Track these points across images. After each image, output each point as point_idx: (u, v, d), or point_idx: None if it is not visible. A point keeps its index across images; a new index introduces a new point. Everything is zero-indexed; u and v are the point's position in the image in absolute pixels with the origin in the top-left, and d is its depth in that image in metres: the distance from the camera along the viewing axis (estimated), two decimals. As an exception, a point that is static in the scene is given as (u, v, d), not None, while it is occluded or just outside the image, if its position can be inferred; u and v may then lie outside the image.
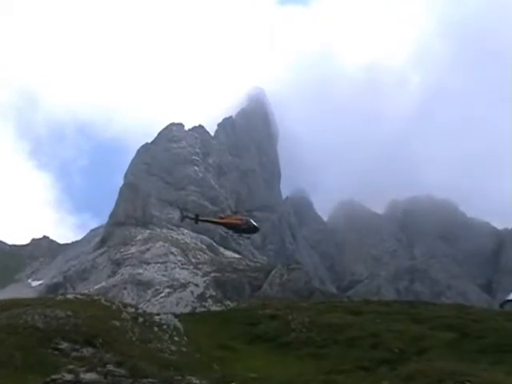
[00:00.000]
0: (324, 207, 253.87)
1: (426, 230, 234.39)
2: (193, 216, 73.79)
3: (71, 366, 25.06)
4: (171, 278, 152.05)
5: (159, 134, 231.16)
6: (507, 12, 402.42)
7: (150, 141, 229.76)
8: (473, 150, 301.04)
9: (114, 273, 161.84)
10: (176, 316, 49.19)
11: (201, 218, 73.49)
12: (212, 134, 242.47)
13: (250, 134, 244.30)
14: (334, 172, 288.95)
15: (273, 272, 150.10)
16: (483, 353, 38.46)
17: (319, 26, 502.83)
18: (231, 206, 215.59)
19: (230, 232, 72.01)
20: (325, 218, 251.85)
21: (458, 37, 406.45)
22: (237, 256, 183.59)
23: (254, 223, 69.70)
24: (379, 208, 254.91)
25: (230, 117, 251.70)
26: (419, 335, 46.39)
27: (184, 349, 38.35)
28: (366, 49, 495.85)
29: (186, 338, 40.71)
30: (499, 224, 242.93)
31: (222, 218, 73.37)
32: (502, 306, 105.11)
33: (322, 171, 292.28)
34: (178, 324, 43.96)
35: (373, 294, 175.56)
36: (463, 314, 57.94)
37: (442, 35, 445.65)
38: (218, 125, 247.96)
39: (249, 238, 74.91)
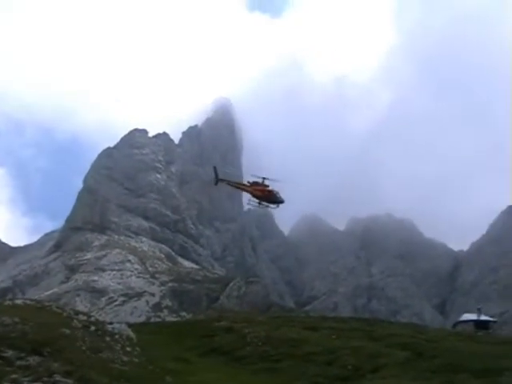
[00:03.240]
0: (286, 221, 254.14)
1: (385, 248, 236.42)
2: (223, 178, 73.74)
3: (15, 376, 23.93)
4: (126, 287, 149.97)
5: (122, 139, 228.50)
6: (473, 35, 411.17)
7: (112, 145, 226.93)
8: (434, 171, 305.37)
9: (67, 279, 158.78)
10: (129, 325, 48.21)
11: (230, 181, 73.74)
12: (176, 141, 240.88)
13: (215, 144, 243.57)
14: (297, 186, 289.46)
15: (231, 284, 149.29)
16: (436, 372, 38.70)
17: (288, 36, 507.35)
18: (192, 215, 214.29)
19: (252, 200, 69.76)
20: (286, 233, 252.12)
21: (424, 56, 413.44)
22: (195, 266, 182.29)
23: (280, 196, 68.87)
24: (340, 224, 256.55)
25: (196, 125, 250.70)
26: (374, 353, 46.35)
27: (136, 360, 37.40)
28: (335, 62, 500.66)
29: (138, 349, 39.78)
30: (456, 245, 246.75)
31: (250, 183, 70.74)
32: (454, 326, 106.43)
33: (286, 184, 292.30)
34: (132, 334, 43.02)
35: (330, 311, 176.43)
36: (417, 334, 58.40)
37: (409, 54, 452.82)
38: (183, 133, 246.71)
39: (277, 206, 70.38)
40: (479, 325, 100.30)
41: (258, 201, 69.28)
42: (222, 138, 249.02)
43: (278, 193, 69.05)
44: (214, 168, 76.52)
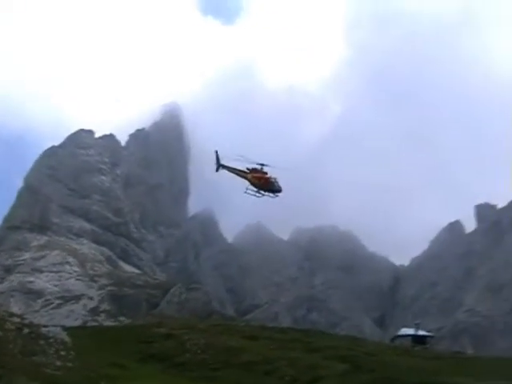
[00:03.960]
0: (230, 228, 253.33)
1: (328, 260, 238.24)
2: (224, 164, 68.55)
3: None
4: (64, 289, 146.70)
5: (67, 138, 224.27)
6: (423, 52, 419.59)
7: (56, 144, 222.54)
8: (380, 185, 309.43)
9: (2, 279, 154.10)
10: (65, 329, 46.99)
11: (228, 166, 68.38)
12: (123, 144, 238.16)
13: (162, 148, 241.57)
14: (243, 193, 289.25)
15: (172, 290, 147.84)
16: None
17: (241, 42, 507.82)
18: (135, 219, 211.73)
19: (250, 189, 65.87)
20: (230, 240, 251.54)
21: (374, 70, 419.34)
22: (136, 271, 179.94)
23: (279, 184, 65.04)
24: (285, 234, 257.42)
25: (143, 128, 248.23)
26: (313, 364, 46.48)
27: (70, 364, 36.40)
28: (287, 70, 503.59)
29: (73, 353, 38.72)
30: (397, 260, 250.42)
31: (249, 170, 66.62)
32: (392, 340, 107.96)
33: (232, 191, 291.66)
34: (67, 338, 41.92)
35: (271, 320, 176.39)
36: (356, 347, 58.97)
37: (359, 67, 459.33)
38: (130, 135, 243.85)
39: (275, 195, 65.76)
40: (417, 339, 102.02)
41: (256, 189, 65.66)
42: (169, 141, 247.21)
43: (276, 181, 65.55)
44: (216, 152, 69.88)
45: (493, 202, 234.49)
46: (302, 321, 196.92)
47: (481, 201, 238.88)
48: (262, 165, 65.18)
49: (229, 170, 68.08)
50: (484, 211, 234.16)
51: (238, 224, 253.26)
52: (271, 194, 65.59)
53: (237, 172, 67.58)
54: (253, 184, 65.14)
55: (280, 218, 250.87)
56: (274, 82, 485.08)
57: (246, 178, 66.02)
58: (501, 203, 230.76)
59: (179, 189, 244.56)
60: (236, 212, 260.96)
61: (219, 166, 68.88)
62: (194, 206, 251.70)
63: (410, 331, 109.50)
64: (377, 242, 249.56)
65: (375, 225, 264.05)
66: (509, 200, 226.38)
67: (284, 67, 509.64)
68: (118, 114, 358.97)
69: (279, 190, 65.52)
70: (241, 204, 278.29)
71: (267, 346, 53.81)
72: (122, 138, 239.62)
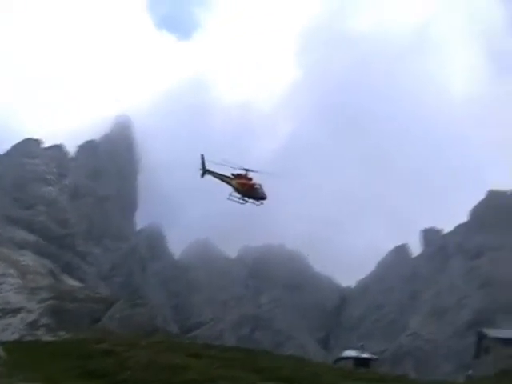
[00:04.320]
0: (178, 244, 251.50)
1: (274, 279, 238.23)
2: (210, 169, 65.05)
3: None
4: (4, 301, 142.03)
5: (14, 146, 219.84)
6: (375, 77, 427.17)
7: (1, 152, 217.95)
8: (328, 207, 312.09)
9: None
10: (1, 344, 45.15)
11: (213, 171, 64.89)
12: (71, 154, 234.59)
13: (112, 160, 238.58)
14: (192, 209, 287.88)
15: (115, 305, 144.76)
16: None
17: (196, 58, 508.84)
18: (81, 231, 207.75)
19: (233, 195, 63.08)
20: (177, 255, 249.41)
21: (326, 91, 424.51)
22: (79, 284, 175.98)
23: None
24: (233, 252, 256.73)
25: (93, 140, 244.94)
26: (256, 385, 45.76)
27: (4, 380, 34.75)
28: (241, 87, 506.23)
29: (6, 369, 37.05)
30: (344, 281, 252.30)
31: (234, 176, 63.63)
32: (336, 362, 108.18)
33: (181, 207, 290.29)
34: (2, 352, 40.15)
35: (215, 338, 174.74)
36: (300, 367, 58.65)
37: (311, 87, 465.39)
38: (79, 146, 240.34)
39: (260, 203, 62.99)
40: (360, 362, 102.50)
41: (239, 196, 63.02)
42: (119, 154, 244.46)
43: (260, 187, 63.03)
44: (202, 157, 66.04)
45: (439, 226, 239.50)
46: (246, 340, 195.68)
47: (427, 225, 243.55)
48: (247, 170, 62.98)
49: (214, 176, 65.30)
50: (430, 236, 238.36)
51: (186, 239, 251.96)
52: (255, 202, 63.64)
53: (222, 178, 64.82)
54: (237, 190, 62.86)
55: (228, 235, 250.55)
56: (228, 99, 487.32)
57: (230, 184, 63.57)
58: (447, 228, 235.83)
59: (128, 201, 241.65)
60: (184, 227, 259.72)
61: (205, 171, 65.85)
62: (142, 219, 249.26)
63: (354, 353, 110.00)
64: (324, 263, 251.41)
65: (323, 245, 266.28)
66: (455, 225, 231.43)
67: (238, 84, 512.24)
68: (67, 125, 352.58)
69: (263, 198, 63.51)
70: (190, 219, 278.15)
71: (211, 365, 52.98)
72: (71, 149, 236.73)
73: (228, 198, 63.27)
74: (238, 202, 63.09)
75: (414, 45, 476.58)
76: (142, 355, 52.77)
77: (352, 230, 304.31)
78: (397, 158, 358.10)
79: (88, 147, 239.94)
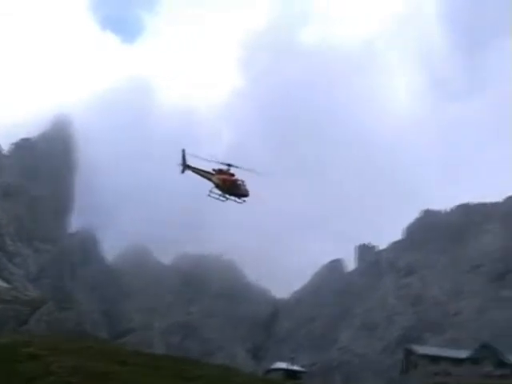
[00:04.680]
0: (113, 249, 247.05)
1: (208, 288, 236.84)
2: (190, 164, 61.18)
3: None
4: None
5: None
6: (319, 90, 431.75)
7: None
8: (264, 219, 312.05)
9: None
10: None
11: (194, 167, 61.03)
12: (5, 152, 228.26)
13: (48, 160, 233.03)
14: (128, 214, 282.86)
15: (42, 308, 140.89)
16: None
17: (139, 61, 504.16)
18: (10, 231, 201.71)
19: (214, 192, 59.24)
20: (111, 260, 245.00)
21: (268, 105, 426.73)
22: (6, 285, 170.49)
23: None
24: (167, 259, 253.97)
25: (29, 138, 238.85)
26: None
27: None
28: (183, 93, 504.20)
29: None
30: (278, 293, 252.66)
31: (215, 171, 59.95)
32: (266, 373, 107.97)
33: (117, 211, 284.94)
34: None
35: (145, 346, 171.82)
36: (229, 377, 58.27)
37: (253, 100, 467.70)
38: (14, 144, 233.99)
39: (242, 201, 59.19)
40: (290, 374, 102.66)
41: (220, 192, 59.28)
42: (56, 154, 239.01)
43: (243, 184, 59.12)
44: (183, 152, 62.49)
45: (374, 243, 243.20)
46: (176, 348, 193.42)
47: (363, 241, 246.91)
48: (229, 165, 59.51)
49: (194, 171, 61.86)
50: (364, 251, 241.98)
51: (121, 244, 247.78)
52: (237, 199, 59.86)
53: (202, 173, 61.35)
54: (217, 186, 59.29)
55: (165, 242, 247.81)
56: (170, 104, 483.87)
57: (211, 179, 60.12)
58: (382, 245, 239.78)
59: (62, 203, 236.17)
60: (120, 232, 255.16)
61: (185, 166, 62.38)
62: (76, 221, 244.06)
63: (284, 365, 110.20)
64: (259, 274, 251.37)
65: (259, 257, 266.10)
66: (389, 242, 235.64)
67: (180, 89, 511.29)
68: (3, 122, 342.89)
69: (245, 195, 59.55)
70: (126, 224, 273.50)
71: (138, 372, 51.90)
72: (6, 147, 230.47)
73: (208, 195, 59.84)
74: (219, 199, 59.67)
75: (359, 62, 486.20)
76: (67, 360, 51.27)
77: (289, 243, 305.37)
78: (336, 173, 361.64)
79: (24, 145, 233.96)
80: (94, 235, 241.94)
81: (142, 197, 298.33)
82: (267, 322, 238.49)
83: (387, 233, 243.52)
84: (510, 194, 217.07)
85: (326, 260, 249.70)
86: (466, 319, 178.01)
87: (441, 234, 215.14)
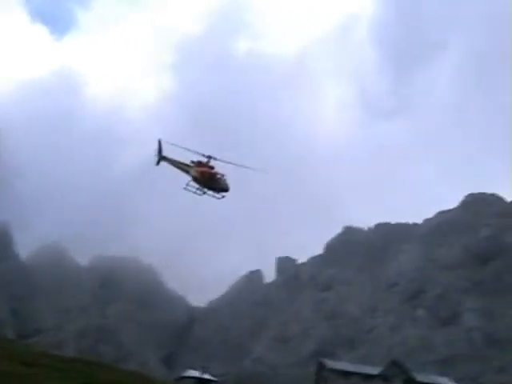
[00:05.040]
0: (26, 247, 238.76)
1: (125, 291, 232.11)
2: (166, 156, 56.68)
3: None
4: None
5: None
6: (248, 98, 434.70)
7: None
8: (184, 225, 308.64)
9: None
10: None
11: (170, 158, 56.54)
12: None
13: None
14: (45, 213, 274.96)
15: None
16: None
17: (68, 54, 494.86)
18: None
19: (191, 185, 54.89)
20: (24, 258, 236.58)
21: (198, 108, 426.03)
22: None
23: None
24: (84, 260, 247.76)
25: None
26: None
27: None
28: (112, 93, 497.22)
29: None
30: (194, 301, 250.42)
31: (194, 163, 55.80)
32: (177, 381, 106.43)
33: (34, 209, 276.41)
34: None
35: (55, 347, 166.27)
36: (141, 383, 57.00)
37: (183, 102, 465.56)
38: None
39: (221, 196, 55.13)
40: (201, 382, 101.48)
41: (197, 186, 55.05)
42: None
43: (223, 178, 55.08)
44: (159, 142, 58.02)
45: (295, 256, 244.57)
46: (88, 351, 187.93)
47: (283, 254, 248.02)
48: (209, 157, 55.60)
49: (170, 163, 57.61)
50: (284, 264, 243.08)
51: (35, 243, 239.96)
52: (215, 194, 55.80)
53: (179, 165, 57.10)
54: (195, 179, 55.22)
55: (83, 242, 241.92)
56: (97, 101, 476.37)
57: (188, 172, 55.95)
58: (302, 259, 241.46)
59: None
60: (35, 230, 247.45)
61: (160, 158, 58.12)
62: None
63: (196, 373, 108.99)
64: (177, 281, 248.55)
65: (178, 263, 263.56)
66: (309, 256, 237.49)
67: (109, 88, 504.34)
68: None
69: (225, 189, 55.53)
70: (41, 223, 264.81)
71: (46, 375, 49.51)
72: None
73: (184, 188, 55.89)
74: (195, 193, 55.79)
75: (289, 75, 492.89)
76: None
77: (210, 252, 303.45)
78: (259, 186, 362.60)
79: None
80: (7, 231, 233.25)
81: (62, 195, 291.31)
82: (182, 329, 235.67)
83: (308, 247, 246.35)
84: (428, 215, 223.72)
85: (246, 270, 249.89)
86: (380, 336, 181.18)
87: (360, 251, 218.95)
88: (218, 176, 55.18)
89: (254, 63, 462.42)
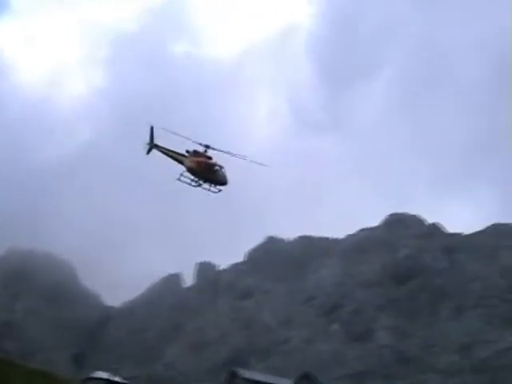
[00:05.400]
0: None
1: (35, 286, 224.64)
2: (158, 144, 52.49)
3: None
4: None
5: None
6: (186, 100, 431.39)
7: None
8: (104, 221, 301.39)
9: None
10: None
11: (162, 147, 52.47)
12: None
13: None
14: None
15: None
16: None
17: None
18: None
19: (186, 176, 51.18)
20: None
21: (127, 110, 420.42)
22: None
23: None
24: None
25: None
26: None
27: None
28: (42, 81, 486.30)
29: None
30: (108, 300, 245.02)
31: (189, 153, 51.96)
32: (84, 381, 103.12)
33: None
34: None
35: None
36: (43, 382, 54.89)
37: (112, 101, 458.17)
38: None
39: (218, 190, 51.41)
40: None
41: (192, 177, 51.49)
42: None
43: (221, 169, 51.58)
44: (151, 129, 53.85)
45: (215, 262, 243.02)
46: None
47: (203, 259, 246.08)
48: (207, 147, 52.02)
49: (163, 152, 53.73)
50: (204, 269, 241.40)
51: None
52: (212, 187, 52.20)
53: (172, 154, 53.37)
54: (190, 170, 51.85)
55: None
56: (25, 88, 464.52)
57: (182, 162, 52.48)
58: (223, 265, 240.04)
59: None
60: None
61: (152, 146, 54.28)
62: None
63: (105, 375, 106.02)
64: (93, 279, 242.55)
65: (96, 261, 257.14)
66: (229, 264, 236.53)
67: (38, 77, 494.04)
68: None
69: (223, 182, 52.01)
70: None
71: None
72: None
73: (178, 179, 52.32)
74: (190, 185, 52.27)
75: (223, 79, 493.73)
76: None
77: (130, 252, 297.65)
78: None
79: None
80: None
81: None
82: (95, 328, 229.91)
83: (230, 254, 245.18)
84: (351, 232, 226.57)
85: (165, 272, 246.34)
86: (294, 348, 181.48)
87: (281, 262, 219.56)
88: (216, 168, 51.83)
89: (188, 67, 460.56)
